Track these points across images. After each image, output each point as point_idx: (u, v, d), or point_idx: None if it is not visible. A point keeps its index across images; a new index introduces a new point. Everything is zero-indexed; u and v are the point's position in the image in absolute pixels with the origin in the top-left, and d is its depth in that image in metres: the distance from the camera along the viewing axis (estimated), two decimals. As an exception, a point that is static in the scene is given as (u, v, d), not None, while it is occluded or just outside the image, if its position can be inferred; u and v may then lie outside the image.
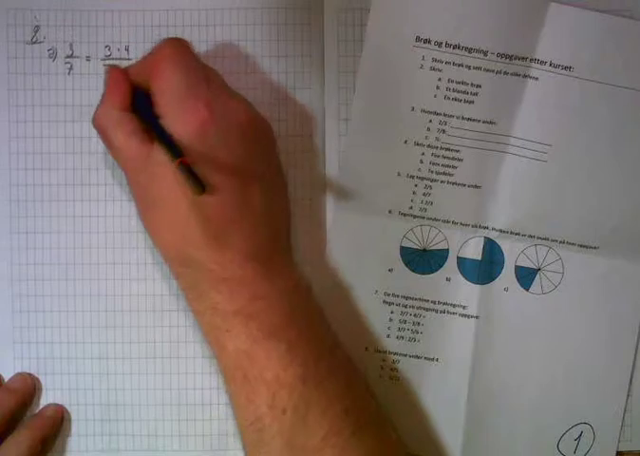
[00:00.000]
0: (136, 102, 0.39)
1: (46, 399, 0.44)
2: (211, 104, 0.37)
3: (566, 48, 0.42)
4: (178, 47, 0.38)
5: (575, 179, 0.43)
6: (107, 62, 0.43)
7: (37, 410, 0.43)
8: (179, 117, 0.37)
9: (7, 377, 0.43)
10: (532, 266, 0.44)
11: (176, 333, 0.43)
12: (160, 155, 0.36)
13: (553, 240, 0.43)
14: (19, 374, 0.43)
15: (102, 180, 0.43)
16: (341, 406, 0.37)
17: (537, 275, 0.44)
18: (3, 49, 0.43)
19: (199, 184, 0.35)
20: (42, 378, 0.44)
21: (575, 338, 0.44)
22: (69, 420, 0.43)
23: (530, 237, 0.43)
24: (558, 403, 0.44)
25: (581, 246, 0.43)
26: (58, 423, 0.43)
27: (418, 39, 0.42)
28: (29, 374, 0.43)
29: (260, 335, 0.37)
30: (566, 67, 0.42)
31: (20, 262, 0.43)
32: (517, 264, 0.44)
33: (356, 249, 0.43)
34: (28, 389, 0.43)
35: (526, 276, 0.44)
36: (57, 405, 0.43)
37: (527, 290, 0.44)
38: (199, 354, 0.43)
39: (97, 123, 0.39)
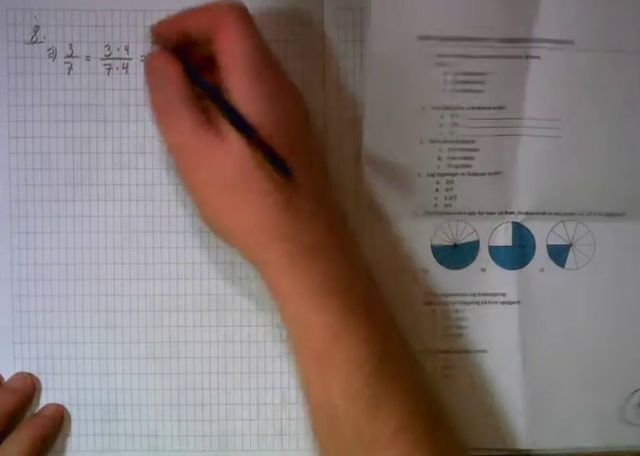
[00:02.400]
0: (190, 73, 0.34)
1: (46, 399, 0.43)
2: (285, 81, 0.34)
3: (565, 23, 0.41)
4: (245, 12, 0.34)
5: (592, 149, 0.42)
6: (107, 61, 0.43)
7: (37, 410, 0.43)
8: (257, 89, 0.33)
9: (7, 377, 0.43)
10: (563, 243, 0.43)
11: (176, 333, 0.43)
12: (233, 140, 0.33)
13: (579, 214, 0.43)
14: (19, 374, 0.43)
15: (102, 180, 0.43)
16: (412, 401, 0.35)
17: (570, 251, 0.43)
18: (3, 49, 0.43)
19: (284, 166, 0.31)
20: (42, 378, 0.43)
21: (618, 305, 0.43)
22: (69, 420, 0.43)
23: (556, 214, 0.43)
24: (613, 372, 0.44)
25: (608, 215, 0.43)
26: (58, 422, 0.43)
27: (420, 36, 0.41)
28: (29, 374, 0.43)
29: (346, 311, 0.35)
30: (567, 42, 0.41)
31: (20, 262, 0.43)
32: (549, 243, 0.43)
33: (388, 256, 0.43)
34: (27, 388, 0.43)
35: (559, 254, 0.43)
36: (57, 405, 0.43)
37: (562, 267, 0.44)
38: (199, 354, 0.43)
39: (158, 111, 0.35)
